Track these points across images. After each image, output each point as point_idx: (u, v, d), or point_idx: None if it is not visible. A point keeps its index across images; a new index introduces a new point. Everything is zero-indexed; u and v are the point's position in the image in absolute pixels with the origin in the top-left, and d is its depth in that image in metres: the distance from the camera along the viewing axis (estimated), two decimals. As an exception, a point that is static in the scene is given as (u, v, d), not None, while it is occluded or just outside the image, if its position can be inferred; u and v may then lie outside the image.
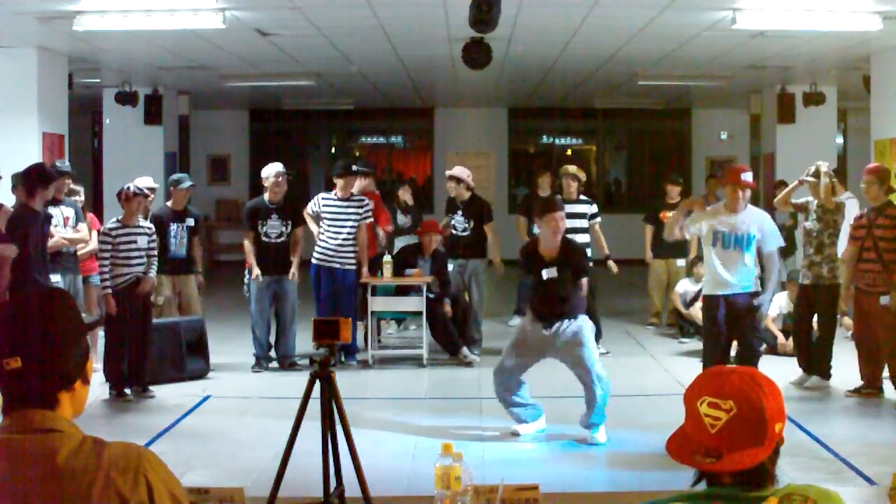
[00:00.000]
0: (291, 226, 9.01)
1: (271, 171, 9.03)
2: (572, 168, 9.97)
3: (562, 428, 6.81)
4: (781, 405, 1.87)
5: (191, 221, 9.11)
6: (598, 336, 9.80)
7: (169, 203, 9.20)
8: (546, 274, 6.59)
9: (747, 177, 6.94)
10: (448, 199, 10.37)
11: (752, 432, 1.80)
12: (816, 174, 8.13)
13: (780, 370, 8.74)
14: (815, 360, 8.23)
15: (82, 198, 9.09)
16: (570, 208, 9.67)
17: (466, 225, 9.89)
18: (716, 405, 1.81)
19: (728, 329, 7.06)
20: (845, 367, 8.21)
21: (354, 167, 9.56)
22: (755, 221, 6.99)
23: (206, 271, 9.67)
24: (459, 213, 9.90)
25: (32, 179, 7.46)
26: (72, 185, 8.82)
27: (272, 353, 9.14)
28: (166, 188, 14.46)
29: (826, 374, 8.16)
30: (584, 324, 6.59)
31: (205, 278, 9.77)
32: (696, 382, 1.89)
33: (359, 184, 9.73)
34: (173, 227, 8.98)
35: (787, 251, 12.30)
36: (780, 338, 9.68)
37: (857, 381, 7.85)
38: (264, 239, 8.93)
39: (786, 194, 8.49)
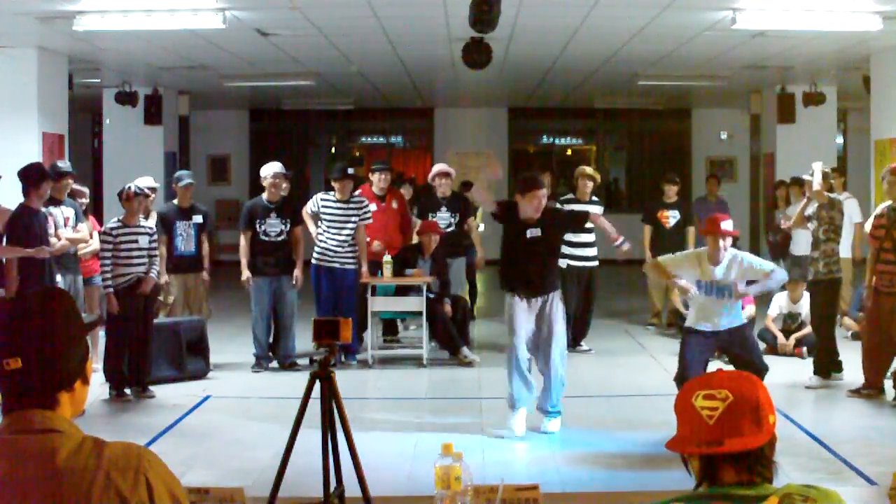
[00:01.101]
0: (291, 224, 9.01)
1: (269, 170, 9.03)
2: (589, 169, 10.06)
3: (561, 428, 6.81)
4: (770, 399, 1.90)
5: (198, 218, 9.10)
6: (583, 334, 9.90)
7: (175, 201, 9.20)
8: (530, 233, 6.69)
9: (727, 225, 6.73)
10: (427, 198, 10.43)
11: (750, 417, 1.83)
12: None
13: (780, 370, 8.76)
14: (818, 358, 8.23)
15: (88, 200, 9.09)
16: (582, 208, 9.74)
17: (452, 221, 9.95)
18: (711, 396, 1.85)
19: (727, 355, 6.96)
20: (848, 366, 8.22)
21: (350, 169, 9.47)
22: (735, 269, 6.72)
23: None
24: (443, 209, 9.95)
25: (26, 178, 7.48)
26: (77, 187, 8.84)
27: (272, 353, 9.14)
28: (166, 188, 14.53)
29: (826, 373, 8.16)
30: (560, 303, 6.80)
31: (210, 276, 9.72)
32: (685, 387, 1.93)
33: (380, 180, 9.72)
34: (179, 225, 8.97)
35: (786, 251, 12.30)
36: (780, 338, 9.68)
37: (858, 381, 7.85)
38: (263, 237, 8.91)
39: (799, 215, 8.45)
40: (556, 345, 6.69)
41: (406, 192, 11.47)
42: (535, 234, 6.69)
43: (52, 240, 7.77)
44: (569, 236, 9.71)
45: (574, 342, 9.89)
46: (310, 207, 9.30)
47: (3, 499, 1.76)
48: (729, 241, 6.77)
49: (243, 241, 8.98)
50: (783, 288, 10.29)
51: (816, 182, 7.99)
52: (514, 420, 6.67)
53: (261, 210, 8.97)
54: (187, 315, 8.99)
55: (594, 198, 10.00)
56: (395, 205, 9.92)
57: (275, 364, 9.07)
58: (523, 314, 6.70)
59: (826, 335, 8.22)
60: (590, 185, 9.84)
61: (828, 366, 8.16)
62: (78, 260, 8.45)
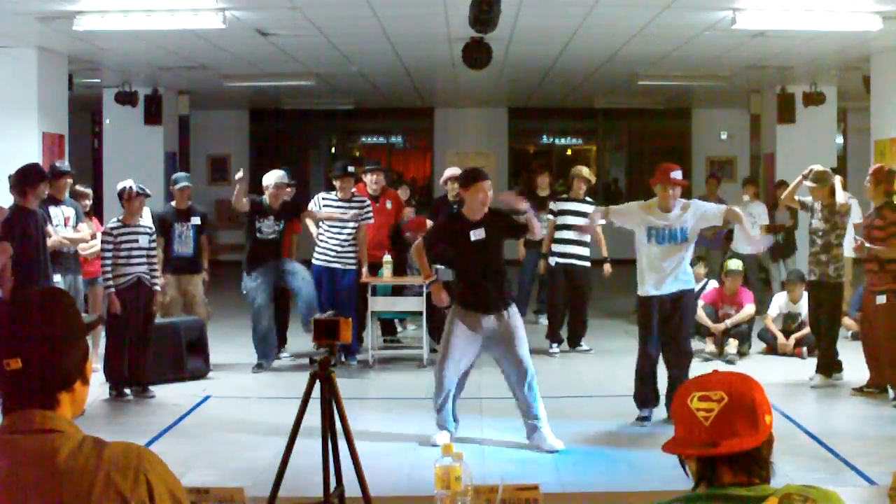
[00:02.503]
0: (284, 224, 9.08)
1: (271, 179, 9.05)
2: (585, 171, 10.04)
3: (561, 428, 6.81)
4: (767, 399, 1.90)
5: (196, 220, 9.10)
6: (582, 334, 9.91)
7: (172, 203, 9.21)
8: (474, 235, 6.20)
9: (677, 175, 6.90)
10: (436, 200, 10.42)
11: (746, 418, 1.83)
12: (817, 178, 8.13)
13: (781, 370, 8.77)
14: (821, 357, 8.26)
15: (91, 201, 9.08)
16: (575, 207, 9.74)
17: None
18: (706, 398, 1.85)
19: (658, 330, 6.96)
20: (848, 365, 8.24)
21: (350, 167, 9.43)
22: (688, 212, 6.89)
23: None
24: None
25: (23, 179, 7.47)
26: (81, 188, 8.87)
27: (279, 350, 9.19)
28: (166, 188, 14.52)
29: (828, 371, 8.18)
30: (518, 314, 6.40)
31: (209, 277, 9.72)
32: (682, 387, 1.93)
33: (373, 181, 9.71)
34: (177, 226, 8.98)
35: (787, 251, 12.31)
36: (780, 338, 9.68)
37: (860, 381, 7.87)
38: (258, 235, 8.96)
39: (790, 192, 8.49)
40: (524, 351, 6.30)
41: (403, 192, 11.45)
42: (479, 235, 6.21)
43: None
44: (564, 234, 9.72)
45: (572, 342, 9.93)
46: (311, 208, 9.30)
47: (3, 499, 1.76)
48: (678, 190, 6.87)
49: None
50: (782, 287, 10.32)
51: (838, 198, 8.02)
52: (438, 437, 6.33)
53: (262, 210, 8.99)
54: (184, 316, 8.99)
55: (588, 198, 9.96)
56: (388, 205, 9.87)
57: (276, 363, 9.09)
58: (464, 336, 6.28)
59: (832, 335, 8.25)
60: (584, 186, 9.86)
61: (830, 365, 8.19)
62: (78, 260, 8.45)
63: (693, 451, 1.84)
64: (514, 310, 6.40)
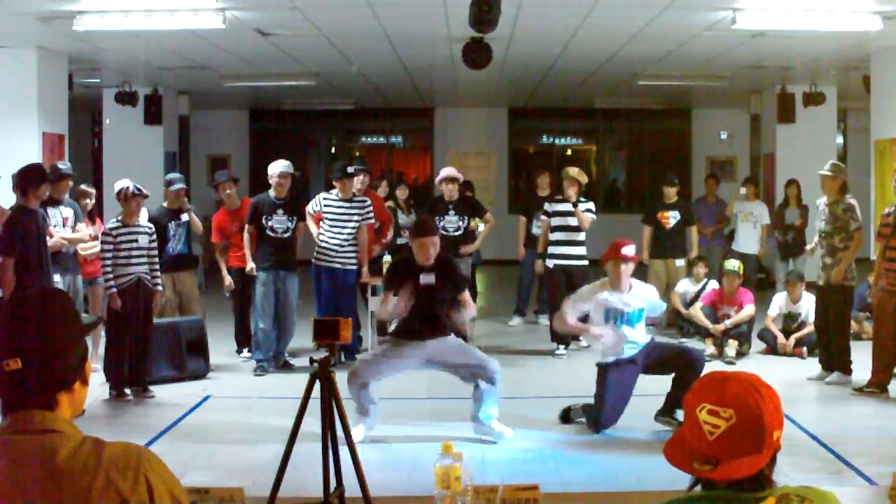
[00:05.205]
0: (296, 221, 9.02)
1: (276, 168, 9.03)
2: (573, 171, 9.85)
3: (562, 428, 6.82)
4: (780, 413, 1.86)
5: (185, 216, 9.10)
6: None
7: (165, 203, 9.20)
8: (423, 279, 6.30)
9: (629, 250, 6.78)
10: (433, 200, 10.40)
11: (751, 440, 1.79)
12: (834, 168, 8.14)
13: (781, 370, 8.77)
14: (835, 357, 8.29)
15: (93, 200, 9.09)
16: (566, 208, 9.68)
17: (460, 224, 9.95)
18: (715, 413, 1.80)
19: (658, 370, 6.88)
20: (854, 366, 8.25)
21: (350, 168, 9.45)
22: (642, 296, 6.85)
23: (206, 265, 9.65)
24: (451, 212, 9.93)
25: (26, 179, 7.47)
26: (84, 188, 8.87)
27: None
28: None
29: (846, 370, 8.20)
30: (454, 339, 6.52)
31: (204, 275, 9.75)
32: (696, 389, 1.88)
33: (357, 181, 9.69)
34: (171, 226, 8.98)
35: (793, 251, 12.27)
36: (780, 338, 9.68)
37: (861, 381, 7.87)
38: (270, 234, 8.88)
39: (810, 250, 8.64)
40: (486, 363, 6.48)
41: (402, 192, 11.45)
42: (429, 280, 6.32)
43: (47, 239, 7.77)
44: (556, 235, 9.67)
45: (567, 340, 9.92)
46: (312, 207, 9.28)
47: (3, 499, 1.76)
48: (631, 266, 6.77)
49: (246, 236, 8.95)
50: (783, 288, 10.31)
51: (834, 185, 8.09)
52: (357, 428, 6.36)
53: (268, 206, 8.95)
54: (179, 315, 8.98)
55: (582, 199, 9.80)
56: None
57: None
58: (402, 360, 6.49)
59: (843, 341, 8.29)
60: (573, 187, 9.61)
61: (846, 362, 8.22)
62: (77, 260, 8.44)
63: (691, 469, 1.81)
64: (446, 338, 6.47)
